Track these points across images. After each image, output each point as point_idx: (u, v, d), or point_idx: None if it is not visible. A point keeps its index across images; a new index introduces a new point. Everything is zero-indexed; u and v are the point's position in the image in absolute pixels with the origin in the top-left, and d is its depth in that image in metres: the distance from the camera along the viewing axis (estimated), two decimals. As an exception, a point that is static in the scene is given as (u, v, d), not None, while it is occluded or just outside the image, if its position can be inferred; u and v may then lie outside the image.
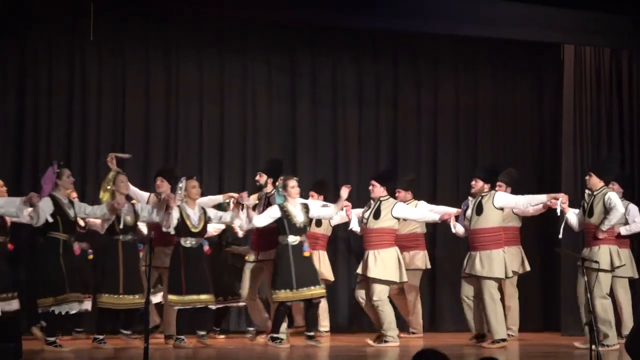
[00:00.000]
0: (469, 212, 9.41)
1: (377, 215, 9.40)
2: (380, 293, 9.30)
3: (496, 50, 12.06)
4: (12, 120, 10.77)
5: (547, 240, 11.39)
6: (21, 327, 8.64)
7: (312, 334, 9.23)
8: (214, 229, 9.75)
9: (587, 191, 9.20)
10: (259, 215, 9.25)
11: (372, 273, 9.27)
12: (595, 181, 9.13)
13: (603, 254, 8.94)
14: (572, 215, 9.28)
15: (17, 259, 9.87)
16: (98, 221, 9.18)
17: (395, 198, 9.84)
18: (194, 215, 9.09)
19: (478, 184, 9.42)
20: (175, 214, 8.98)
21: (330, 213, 9.50)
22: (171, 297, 9.00)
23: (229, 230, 9.87)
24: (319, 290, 9.17)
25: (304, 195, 9.89)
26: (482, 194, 9.37)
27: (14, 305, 8.77)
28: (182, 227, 9.01)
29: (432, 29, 10.84)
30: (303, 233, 9.22)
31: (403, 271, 9.41)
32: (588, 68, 11.53)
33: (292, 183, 9.30)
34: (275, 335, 9.09)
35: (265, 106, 11.68)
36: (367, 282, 9.38)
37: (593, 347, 6.67)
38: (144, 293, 8.65)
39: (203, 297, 9.02)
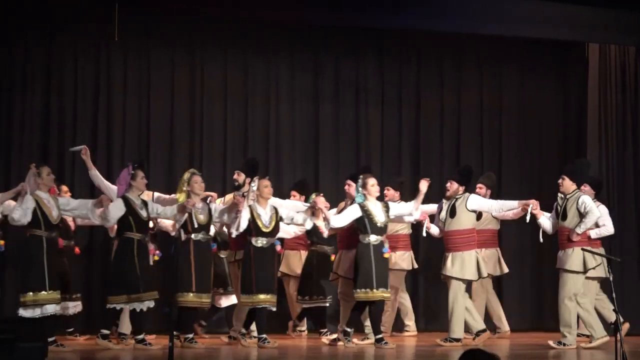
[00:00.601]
0: (442, 214, 9.43)
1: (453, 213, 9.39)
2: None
3: (521, 49, 12.02)
4: (39, 120, 10.85)
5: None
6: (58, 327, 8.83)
7: (381, 336, 9.08)
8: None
9: (559, 194, 9.27)
10: (337, 215, 9.20)
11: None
12: (568, 184, 9.22)
13: (576, 256, 9.05)
14: (545, 220, 9.38)
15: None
16: (169, 222, 9.19)
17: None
18: (265, 215, 9.05)
19: (453, 186, 9.41)
20: (245, 215, 8.96)
21: (410, 210, 9.35)
22: (243, 297, 9.02)
23: (313, 230, 9.78)
24: (388, 293, 9.16)
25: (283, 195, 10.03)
26: (457, 197, 9.38)
27: (78, 307, 8.92)
28: (254, 227, 8.99)
29: (457, 28, 10.82)
30: (384, 233, 9.14)
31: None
32: (613, 67, 11.48)
33: (372, 181, 9.20)
34: (347, 329, 9.12)
35: (288, 107, 11.69)
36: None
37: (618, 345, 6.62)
38: (274, 294, 8.94)
39: (269, 296, 8.99)
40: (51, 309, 8.41)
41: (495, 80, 12.20)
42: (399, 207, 9.37)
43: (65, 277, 9.00)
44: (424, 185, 9.20)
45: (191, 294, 8.83)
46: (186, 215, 8.84)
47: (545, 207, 9.96)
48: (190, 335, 8.95)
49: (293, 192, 10.21)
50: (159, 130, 11.20)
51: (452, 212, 9.29)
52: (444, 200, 9.49)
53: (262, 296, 8.88)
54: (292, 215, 9.22)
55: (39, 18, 10.73)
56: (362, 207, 9.08)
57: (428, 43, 11.86)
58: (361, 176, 9.27)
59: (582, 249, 8.98)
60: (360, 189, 9.19)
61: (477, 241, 9.44)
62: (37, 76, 10.88)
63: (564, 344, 9.01)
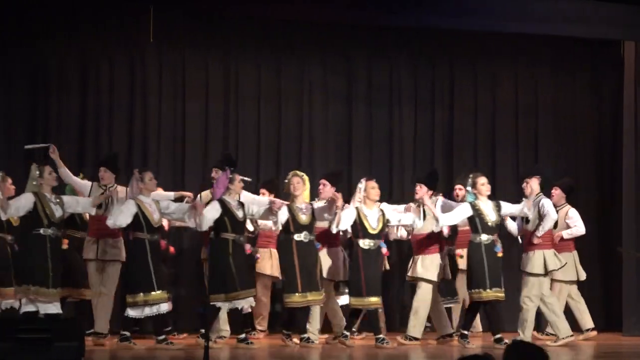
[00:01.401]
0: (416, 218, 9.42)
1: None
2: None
3: (555, 47, 11.92)
4: (75, 121, 10.95)
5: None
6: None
7: (499, 336, 9.12)
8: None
9: (524, 198, 9.34)
10: (446, 214, 9.19)
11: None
12: (424, 190, 9.34)
13: (537, 259, 9.18)
14: (512, 222, 9.53)
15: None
16: (270, 222, 9.27)
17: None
18: (372, 217, 9.07)
19: (422, 190, 9.40)
20: (350, 215, 9.01)
21: (521, 208, 9.31)
22: (353, 299, 9.07)
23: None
24: (502, 293, 9.16)
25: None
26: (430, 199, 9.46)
27: (169, 306, 8.98)
28: (360, 228, 9.02)
29: (490, 27, 10.77)
30: (495, 232, 9.14)
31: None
32: (649, 65, 11.35)
33: (482, 180, 9.22)
34: (465, 332, 9.18)
35: (321, 108, 11.70)
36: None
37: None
38: (320, 291, 9.00)
39: (378, 299, 9.04)
40: (164, 307, 8.66)
41: (530, 79, 12.13)
42: (510, 206, 9.33)
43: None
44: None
45: (297, 294, 8.95)
46: (280, 216, 8.92)
47: (580, 208, 9.92)
48: (307, 335, 9.06)
49: (262, 190, 10.08)
50: (193, 131, 11.25)
51: (423, 216, 9.33)
52: (412, 204, 9.44)
53: (373, 299, 8.94)
54: (399, 217, 9.22)
55: (75, 19, 10.83)
56: (473, 206, 9.09)
57: (461, 42, 11.80)
58: (471, 175, 9.32)
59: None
60: (469, 188, 9.22)
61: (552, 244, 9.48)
62: (73, 77, 10.97)
63: None
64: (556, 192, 9.87)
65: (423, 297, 9.32)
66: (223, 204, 8.87)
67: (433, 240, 9.42)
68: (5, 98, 10.76)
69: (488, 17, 10.60)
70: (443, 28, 11.18)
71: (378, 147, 11.80)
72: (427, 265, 9.34)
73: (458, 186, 10.11)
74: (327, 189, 9.44)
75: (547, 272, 9.22)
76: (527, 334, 9.24)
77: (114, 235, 9.07)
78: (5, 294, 8.69)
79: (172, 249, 9.99)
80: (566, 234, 9.76)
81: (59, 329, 6.63)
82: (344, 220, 9.03)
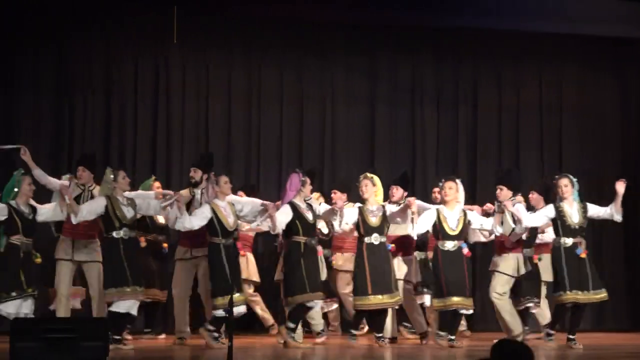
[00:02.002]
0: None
1: None
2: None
3: (580, 46, 11.88)
4: (100, 121, 11.03)
5: (633, 239, 11.23)
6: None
7: (573, 337, 9.04)
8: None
9: (496, 202, 9.30)
10: (531, 216, 9.10)
11: None
12: (505, 193, 9.24)
13: (511, 260, 9.17)
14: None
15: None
16: (247, 225, 9.30)
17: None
18: (452, 218, 9.00)
19: (399, 192, 9.44)
20: (430, 217, 8.98)
21: (610, 211, 9.16)
22: (435, 300, 9.05)
23: None
24: (603, 294, 9.06)
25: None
26: (400, 202, 9.42)
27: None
28: (440, 230, 8.98)
29: (514, 26, 10.74)
30: (578, 234, 9.03)
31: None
32: (675, 64, 11.31)
33: (565, 182, 9.10)
34: (572, 336, 9.03)
35: (344, 108, 11.71)
36: None
37: None
38: (393, 293, 8.93)
39: (461, 299, 8.94)
40: (242, 309, 8.72)
41: (555, 78, 12.09)
42: (597, 209, 9.21)
43: None
44: (621, 187, 9.05)
45: (369, 297, 8.91)
46: (280, 217, 8.81)
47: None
48: (381, 335, 9.01)
49: (240, 192, 9.90)
50: (216, 132, 11.30)
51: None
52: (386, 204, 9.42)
53: (455, 299, 8.86)
54: (482, 221, 9.14)
55: (99, 20, 10.91)
56: (557, 208, 9.01)
57: (484, 42, 11.79)
58: (556, 177, 9.25)
59: None
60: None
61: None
62: (97, 77, 11.06)
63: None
64: (533, 195, 9.78)
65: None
66: (294, 207, 8.85)
67: (405, 242, 9.43)
68: (32, 98, 10.85)
69: (512, 17, 10.58)
70: (466, 28, 11.17)
71: (401, 148, 11.79)
72: (401, 267, 9.39)
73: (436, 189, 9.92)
74: (306, 187, 9.07)
75: (519, 275, 9.22)
76: (516, 328, 9.14)
77: (91, 237, 8.92)
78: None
79: (165, 245, 9.78)
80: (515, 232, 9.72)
81: (84, 329, 6.67)
82: (424, 223, 8.99)
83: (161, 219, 9.44)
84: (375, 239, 9.01)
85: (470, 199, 9.99)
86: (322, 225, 9.55)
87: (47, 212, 8.59)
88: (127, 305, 8.44)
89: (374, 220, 9.04)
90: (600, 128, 12.11)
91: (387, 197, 9.56)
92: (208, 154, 9.69)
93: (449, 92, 11.95)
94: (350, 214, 9.02)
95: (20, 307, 8.36)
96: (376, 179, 9.22)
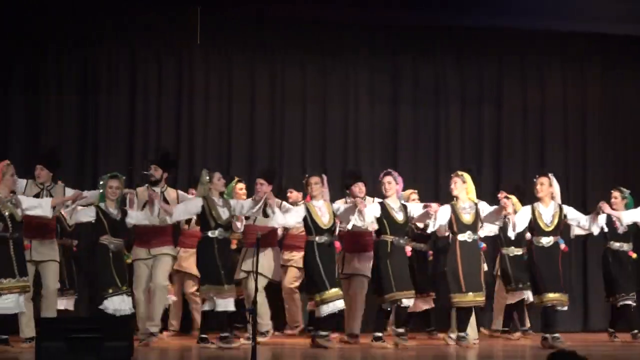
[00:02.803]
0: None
1: None
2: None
3: (605, 45, 11.83)
4: (124, 122, 11.09)
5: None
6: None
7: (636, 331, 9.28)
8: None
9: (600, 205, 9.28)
10: (629, 212, 9.16)
11: None
12: (619, 202, 9.41)
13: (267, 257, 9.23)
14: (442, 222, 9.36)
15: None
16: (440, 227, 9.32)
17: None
18: (547, 214, 9.01)
19: (263, 187, 9.19)
20: (525, 216, 9.02)
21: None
22: (535, 297, 9.10)
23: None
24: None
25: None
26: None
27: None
28: (535, 226, 8.99)
29: (538, 25, 10.70)
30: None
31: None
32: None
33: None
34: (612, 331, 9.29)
35: (367, 109, 11.69)
36: None
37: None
38: (483, 292, 8.95)
39: (478, 294, 8.99)
40: (340, 304, 8.77)
41: (578, 78, 12.02)
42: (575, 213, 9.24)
43: None
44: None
45: (462, 294, 8.89)
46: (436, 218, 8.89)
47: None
48: (463, 334, 8.98)
49: (191, 190, 9.86)
50: (239, 132, 11.32)
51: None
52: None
53: (550, 295, 8.86)
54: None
55: (123, 21, 10.97)
56: (533, 209, 9.02)
57: (508, 41, 11.75)
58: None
59: None
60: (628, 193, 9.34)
61: None
62: (121, 79, 11.12)
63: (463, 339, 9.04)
64: (501, 195, 9.81)
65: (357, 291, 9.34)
66: (383, 206, 8.92)
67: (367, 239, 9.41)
68: (57, 98, 10.93)
69: (536, 16, 10.54)
70: (490, 27, 11.14)
71: (424, 147, 11.76)
72: (362, 261, 9.37)
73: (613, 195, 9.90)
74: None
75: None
76: (472, 330, 9.17)
77: (49, 237, 8.85)
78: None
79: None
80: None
81: (109, 329, 6.72)
82: (521, 221, 8.99)
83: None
84: (468, 236, 8.97)
85: (495, 199, 9.93)
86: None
87: (137, 215, 8.85)
88: (225, 304, 8.71)
89: (467, 218, 9.00)
90: (625, 127, 12.03)
91: (429, 197, 9.65)
92: (166, 152, 9.59)
93: (472, 91, 11.90)
94: (444, 213, 8.97)
95: (120, 304, 8.57)
96: (467, 176, 9.18)
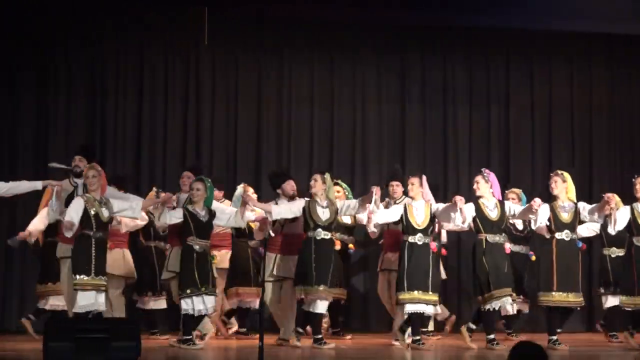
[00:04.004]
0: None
1: None
2: None
3: (611, 45, 11.80)
4: (131, 123, 11.13)
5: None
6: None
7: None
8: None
9: (387, 199, 9.44)
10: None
11: None
12: (400, 190, 9.43)
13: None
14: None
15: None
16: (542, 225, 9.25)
17: None
18: (564, 212, 8.99)
19: (294, 186, 9.37)
20: (628, 212, 8.94)
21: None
22: (623, 298, 9.00)
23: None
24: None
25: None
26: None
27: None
28: (635, 225, 8.91)
29: (545, 25, 10.68)
30: None
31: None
32: None
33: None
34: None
35: (375, 108, 11.69)
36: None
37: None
38: (580, 292, 8.88)
39: (506, 289, 8.90)
40: (430, 309, 8.80)
41: (586, 77, 11.99)
42: None
43: None
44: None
45: (553, 294, 8.83)
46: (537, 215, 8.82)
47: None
48: (555, 337, 8.86)
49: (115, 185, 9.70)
50: (247, 133, 11.34)
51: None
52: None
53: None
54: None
55: (130, 23, 11.01)
56: (632, 208, 8.94)
57: (516, 41, 11.75)
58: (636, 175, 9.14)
59: None
60: None
61: None
62: (129, 80, 11.16)
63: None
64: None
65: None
66: (477, 205, 8.90)
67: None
68: (65, 99, 10.97)
69: (543, 16, 10.53)
70: (497, 27, 11.13)
71: (432, 147, 11.76)
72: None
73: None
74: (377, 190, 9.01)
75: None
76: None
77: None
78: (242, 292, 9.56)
79: (351, 246, 9.94)
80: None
81: (116, 329, 6.73)
82: (621, 219, 8.89)
83: (346, 219, 9.69)
84: (566, 235, 8.91)
85: (504, 199, 9.92)
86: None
87: (226, 217, 8.93)
88: (317, 305, 8.77)
89: (565, 217, 8.94)
90: (631, 128, 12.00)
91: (438, 197, 9.58)
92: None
93: (481, 91, 11.90)
94: (544, 212, 8.88)
95: (198, 304, 8.62)
96: (566, 175, 9.10)
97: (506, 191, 9.83)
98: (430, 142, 11.76)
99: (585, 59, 11.98)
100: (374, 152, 11.60)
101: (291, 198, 9.17)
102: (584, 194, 10.08)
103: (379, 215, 8.90)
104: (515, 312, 9.29)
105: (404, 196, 9.41)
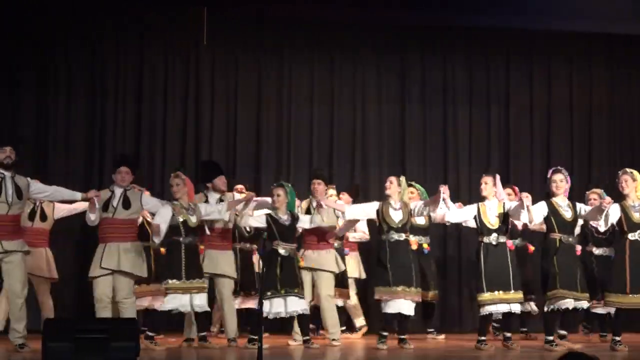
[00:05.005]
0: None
1: None
2: None
3: (611, 45, 11.80)
4: (130, 124, 11.14)
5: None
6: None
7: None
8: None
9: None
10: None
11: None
12: (323, 188, 9.40)
13: (332, 257, 9.25)
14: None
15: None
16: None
17: None
18: (635, 212, 8.84)
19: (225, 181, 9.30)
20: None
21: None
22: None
23: None
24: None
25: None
26: None
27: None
28: (627, 223, 8.81)
29: (545, 25, 10.68)
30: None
31: None
32: None
33: (624, 177, 8.90)
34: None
35: (375, 108, 11.70)
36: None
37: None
38: None
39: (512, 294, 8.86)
40: (516, 307, 8.76)
41: (585, 78, 11.99)
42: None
43: None
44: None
45: (624, 295, 8.68)
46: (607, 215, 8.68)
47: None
48: (618, 338, 8.71)
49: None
50: (247, 133, 11.34)
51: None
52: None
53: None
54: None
55: (130, 23, 11.02)
56: (622, 205, 8.81)
57: (516, 41, 11.75)
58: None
59: None
60: None
61: None
62: (128, 80, 11.16)
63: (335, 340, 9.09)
64: (343, 196, 9.93)
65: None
66: (551, 205, 8.82)
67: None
68: (65, 99, 10.99)
69: (543, 16, 10.53)
70: (497, 27, 11.14)
71: (432, 147, 11.76)
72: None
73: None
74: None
75: (339, 271, 9.38)
76: (338, 330, 9.20)
77: None
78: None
79: (426, 246, 9.93)
80: (351, 237, 9.98)
81: (115, 329, 6.74)
82: (612, 217, 8.77)
83: (420, 220, 9.71)
84: (639, 235, 8.75)
85: (585, 200, 9.84)
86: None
87: (307, 220, 9.08)
88: (398, 306, 8.78)
89: (637, 216, 8.77)
90: (631, 128, 12.00)
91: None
92: (131, 155, 9.80)
93: (480, 91, 11.90)
94: (614, 211, 8.73)
95: (278, 307, 8.76)
96: (636, 173, 8.94)
97: (587, 192, 9.74)
98: (430, 142, 11.76)
99: (585, 59, 11.98)
100: (374, 152, 11.60)
101: (221, 194, 9.06)
102: (582, 194, 10.05)
103: (452, 214, 8.96)
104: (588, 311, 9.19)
105: (327, 193, 9.52)
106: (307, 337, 8.96)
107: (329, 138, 11.54)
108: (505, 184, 9.76)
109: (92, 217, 8.48)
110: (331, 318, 9.20)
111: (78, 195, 8.60)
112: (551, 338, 8.71)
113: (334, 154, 11.50)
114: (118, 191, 8.62)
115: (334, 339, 9.10)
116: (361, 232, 10.06)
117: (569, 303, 8.64)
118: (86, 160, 10.93)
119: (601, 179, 11.62)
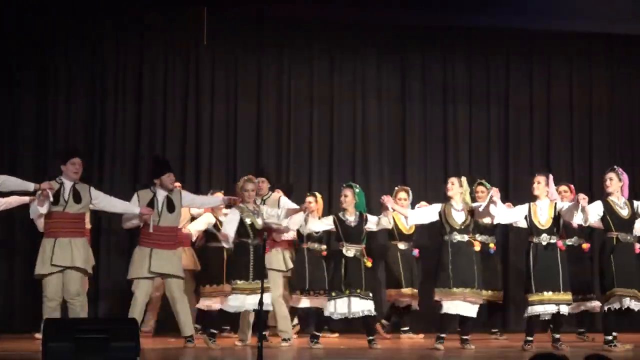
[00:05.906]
0: None
1: None
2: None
3: (611, 45, 11.81)
4: (130, 124, 11.12)
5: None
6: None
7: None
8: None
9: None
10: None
11: None
12: (265, 187, 9.56)
13: (281, 256, 9.50)
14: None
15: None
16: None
17: None
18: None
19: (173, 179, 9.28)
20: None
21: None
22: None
23: None
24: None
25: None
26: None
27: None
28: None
29: (545, 25, 10.68)
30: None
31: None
32: None
33: (610, 175, 8.95)
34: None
35: (375, 107, 11.70)
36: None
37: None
38: None
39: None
40: (564, 309, 8.72)
41: (585, 78, 11.99)
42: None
43: None
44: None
45: None
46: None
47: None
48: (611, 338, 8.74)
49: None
50: (247, 133, 11.34)
51: None
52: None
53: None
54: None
55: (130, 23, 11.02)
56: (605, 203, 8.84)
57: (516, 41, 11.75)
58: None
59: None
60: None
61: None
62: (128, 80, 11.15)
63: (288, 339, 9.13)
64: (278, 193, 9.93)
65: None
66: (607, 203, 8.80)
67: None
68: (65, 99, 10.99)
69: (543, 16, 10.53)
70: (497, 27, 11.14)
71: (433, 146, 11.76)
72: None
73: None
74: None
75: (287, 269, 9.54)
76: (290, 329, 9.24)
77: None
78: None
79: (492, 245, 9.93)
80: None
81: (115, 329, 6.73)
82: (592, 213, 8.78)
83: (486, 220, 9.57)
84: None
85: (504, 198, 9.89)
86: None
87: (375, 221, 9.11)
88: (456, 307, 8.80)
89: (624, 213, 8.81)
90: (631, 128, 12.01)
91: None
92: (160, 158, 9.81)
93: (480, 90, 11.90)
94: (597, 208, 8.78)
95: (341, 307, 8.85)
96: (623, 174, 8.99)
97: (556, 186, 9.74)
98: (430, 141, 11.76)
99: (585, 59, 11.99)
100: (374, 152, 11.60)
101: (169, 191, 8.87)
102: (583, 194, 10.05)
103: (502, 215, 8.95)
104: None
105: (270, 192, 9.56)
106: (372, 338, 8.99)
107: (329, 138, 11.53)
108: (560, 183, 9.75)
109: (42, 210, 8.17)
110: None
111: (30, 185, 8.19)
112: (610, 338, 8.62)
113: (334, 154, 11.50)
114: (68, 184, 8.33)
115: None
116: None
117: (627, 302, 8.59)
118: (86, 160, 10.90)
119: (601, 179, 11.65)
